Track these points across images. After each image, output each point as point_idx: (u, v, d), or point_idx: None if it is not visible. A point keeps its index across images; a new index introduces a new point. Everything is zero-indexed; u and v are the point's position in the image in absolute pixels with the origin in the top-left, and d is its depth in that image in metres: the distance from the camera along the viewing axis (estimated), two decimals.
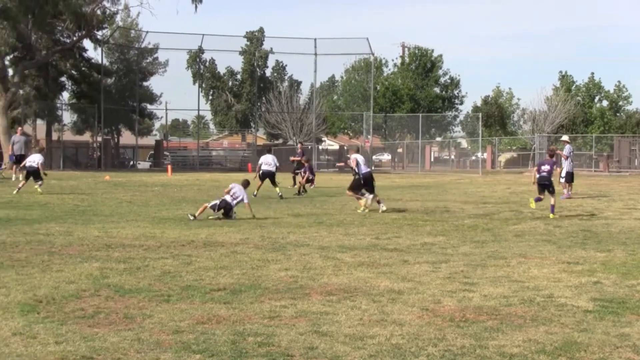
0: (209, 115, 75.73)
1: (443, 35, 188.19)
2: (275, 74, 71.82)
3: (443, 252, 12.28)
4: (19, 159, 32.76)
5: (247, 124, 69.89)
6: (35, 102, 55.09)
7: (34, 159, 24.67)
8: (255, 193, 23.34)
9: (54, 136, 60.81)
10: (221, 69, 69.90)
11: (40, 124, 62.18)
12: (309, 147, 62.52)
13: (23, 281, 9.25)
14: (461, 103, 75.98)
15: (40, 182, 24.36)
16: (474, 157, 68.83)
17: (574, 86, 71.28)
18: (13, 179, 31.28)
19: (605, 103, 71.48)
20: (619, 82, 76.56)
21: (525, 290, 9.05)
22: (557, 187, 20.38)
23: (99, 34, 57.58)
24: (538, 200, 18.64)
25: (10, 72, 50.68)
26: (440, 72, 74.20)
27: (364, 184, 19.92)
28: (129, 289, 8.90)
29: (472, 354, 6.40)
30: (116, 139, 68.24)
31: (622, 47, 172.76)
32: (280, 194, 24.06)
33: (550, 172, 18.78)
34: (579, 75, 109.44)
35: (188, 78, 68.76)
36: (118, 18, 61.05)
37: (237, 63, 69.25)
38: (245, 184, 18.33)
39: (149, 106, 68.15)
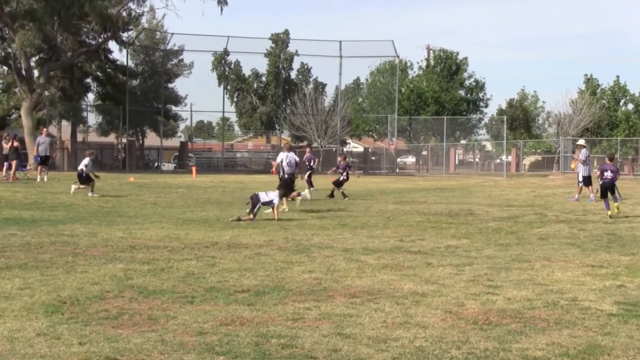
0: (233, 117, 75.90)
1: (468, 38, 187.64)
2: (300, 76, 71.82)
3: (467, 254, 12.24)
4: (43, 160, 33.06)
5: (271, 126, 69.95)
6: (61, 104, 55.47)
7: (81, 164, 25.01)
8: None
9: (79, 137, 61.21)
10: (246, 71, 70.03)
11: (65, 125, 62.60)
12: (334, 149, 62.50)
13: (47, 282, 9.31)
14: (486, 106, 75.59)
15: (83, 186, 24.33)
16: (498, 160, 68.52)
17: (599, 89, 70.73)
18: (38, 180, 31.53)
19: (630, 106, 70.85)
20: None
21: (549, 293, 9.00)
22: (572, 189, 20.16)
23: (125, 35, 57.87)
24: (607, 206, 18.85)
25: (36, 73, 51.09)
26: (465, 74, 73.88)
27: (287, 183, 20.28)
28: (153, 290, 8.93)
29: (495, 357, 6.37)
30: (141, 141, 68.55)
31: None
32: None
33: (613, 178, 19.10)
34: (604, 78, 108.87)
35: (213, 80, 68.93)
36: (143, 20, 61.40)
37: (262, 65, 69.38)
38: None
39: (173, 108, 68.41)
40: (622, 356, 6.43)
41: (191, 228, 15.64)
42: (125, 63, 59.20)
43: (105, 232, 14.56)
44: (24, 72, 48.25)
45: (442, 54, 74.29)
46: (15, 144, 34.01)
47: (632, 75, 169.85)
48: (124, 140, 60.32)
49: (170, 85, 67.38)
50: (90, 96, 63.55)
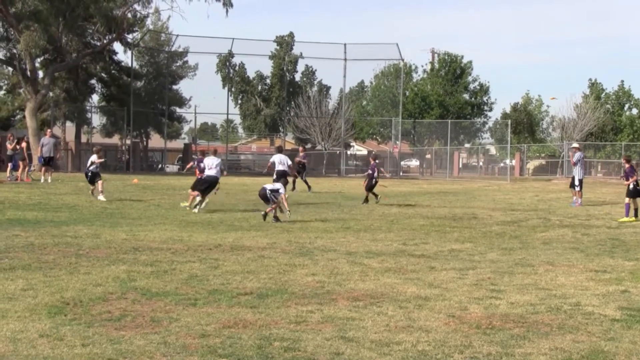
0: (237, 119, 75.97)
1: (473, 42, 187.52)
2: (304, 79, 71.84)
3: (470, 259, 12.23)
4: (47, 161, 33.09)
5: (275, 128, 69.97)
6: (65, 105, 55.51)
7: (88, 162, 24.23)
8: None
9: (83, 139, 61.23)
10: (251, 73, 70.06)
11: (70, 126, 62.62)
12: (337, 152, 62.47)
13: (51, 283, 9.32)
14: (490, 110, 75.49)
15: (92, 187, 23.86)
16: (502, 164, 68.45)
17: (603, 94, 70.70)
18: (42, 180, 31.55)
19: (635, 111, 70.79)
20: None
21: (552, 298, 8.99)
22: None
23: (130, 37, 57.91)
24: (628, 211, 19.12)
25: (41, 74, 51.16)
26: (470, 78, 73.86)
27: (203, 183, 20.56)
28: (156, 292, 8.94)
29: None
30: (145, 142, 68.60)
31: None
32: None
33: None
34: (608, 83, 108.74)
35: (217, 82, 68.95)
36: (148, 21, 61.48)
37: (266, 67, 69.38)
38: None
39: (178, 109, 68.45)
40: None
41: (194, 230, 15.64)
42: (130, 64, 59.23)
43: (109, 234, 14.57)
44: (28, 73, 48.34)
45: (446, 57, 74.26)
46: (23, 144, 34.16)
47: (636, 80, 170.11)
48: (128, 141, 60.36)
49: (174, 86, 67.43)
50: (95, 97, 63.63)
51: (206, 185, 20.58)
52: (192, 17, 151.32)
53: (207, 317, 7.69)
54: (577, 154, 25.80)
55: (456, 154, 68.05)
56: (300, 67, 70.96)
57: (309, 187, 30.32)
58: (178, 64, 67.90)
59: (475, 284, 9.81)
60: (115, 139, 67.26)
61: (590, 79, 72.72)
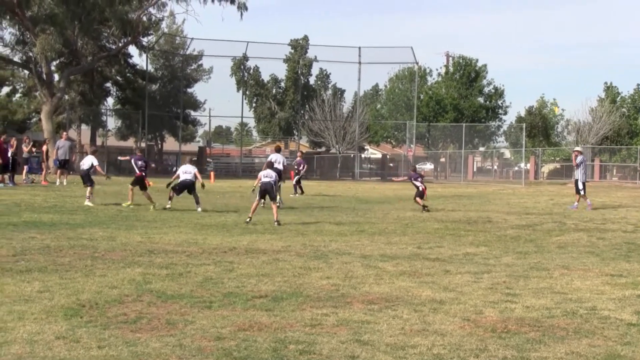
0: (252, 123, 76.29)
1: (487, 45, 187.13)
2: (319, 82, 71.96)
3: (485, 262, 12.19)
4: (63, 164, 33.26)
5: (290, 131, 70.10)
6: (80, 108, 55.84)
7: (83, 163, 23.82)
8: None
9: (98, 141, 61.58)
10: (265, 77, 70.29)
11: (85, 129, 63.02)
12: (352, 155, 62.45)
13: (66, 285, 9.36)
14: (505, 113, 75.40)
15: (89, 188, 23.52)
16: (516, 168, 68.26)
17: (619, 97, 70.44)
18: (57, 183, 31.68)
19: None
20: None
21: (568, 302, 8.95)
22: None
23: (145, 40, 58.20)
24: None
25: (56, 77, 51.46)
26: (485, 81, 73.75)
27: (180, 189, 21.64)
28: (171, 294, 8.96)
29: None
30: (160, 145, 68.84)
31: None
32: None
33: None
34: (624, 86, 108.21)
35: (232, 85, 69.20)
36: (163, 25, 61.81)
37: (281, 71, 69.59)
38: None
39: (192, 113, 68.64)
40: None
41: (209, 233, 15.67)
42: (144, 68, 59.50)
43: (124, 236, 14.62)
44: (44, 76, 48.62)
45: (461, 60, 74.19)
46: (44, 147, 34.45)
47: None
48: (143, 144, 60.58)
49: (189, 90, 67.66)
50: (110, 100, 64.04)
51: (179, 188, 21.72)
52: (207, 21, 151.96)
53: (222, 320, 7.70)
54: (580, 157, 25.81)
55: (470, 158, 67.90)
56: (315, 71, 71.15)
57: (296, 193, 29.86)
58: (193, 67, 68.20)
59: (491, 288, 9.78)
60: (130, 142, 67.55)
61: (605, 83, 72.49)
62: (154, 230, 15.80)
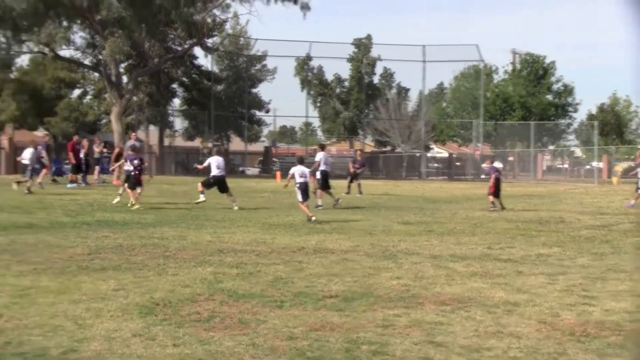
0: (316, 122, 76.30)
1: (556, 41, 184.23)
2: (383, 81, 71.64)
3: (559, 263, 11.93)
4: None
5: (354, 131, 69.97)
6: (148, 109, 56.69)
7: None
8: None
9: (166, 142, 62.37)
10: (329, 76, 70.27)
11: (153, 129, 63.98)
12: (417, 154, 62.10)
13: (140, 284, 9.46)
14: (575, 111, 74.08)
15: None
16: (588, 166, 67.01)
17: None
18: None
19: None
20: None
21: None
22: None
23: (209, 41, 58.82)
24: None
25: (125, 79, 52.35)
26: (553, 79, 72.56)
27: (213, 183, 22.01)
28: (243, 294, 8.98)
29: None
30: (226, 145, 69.46)
31: None
32: (338, 198, 24.17)
33: None
34: None
35: (296, 85, 69.40)
36: (227, 26, 62.29)
37: (344, 70, 69.50)
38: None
39: (257, 113, 69.06)
40: None
41: (277, 232, 15.71)
42: (210, 69, 60.14)
43: (194, 236, 14.74)
44: (113, 78, 49.52)
45: (528, 57, 73.15)
46: (117, 150, 34.98)
47: None
48: (210, 144, 61.16)
49: (254, 90, 68.08)
50: (177, 101, 64.84)
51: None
52: (270, 21, 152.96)
53: (293, 320, 7.68)
54: None
55: (540, 157, 66.89)
56: (379, 70, 70.84)
57: (349, 192, 29.49)
58: (257, 68, 68.57)
59: (566, 290, 9.55)
60: (196, 142, 68.29)
61: None
62: (222, 230, 15.90)
